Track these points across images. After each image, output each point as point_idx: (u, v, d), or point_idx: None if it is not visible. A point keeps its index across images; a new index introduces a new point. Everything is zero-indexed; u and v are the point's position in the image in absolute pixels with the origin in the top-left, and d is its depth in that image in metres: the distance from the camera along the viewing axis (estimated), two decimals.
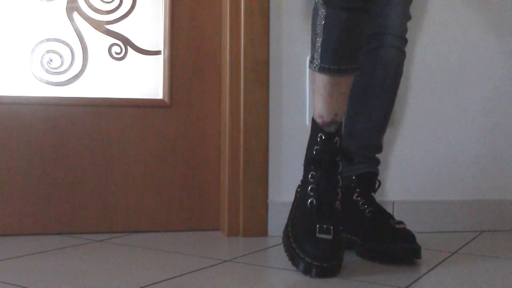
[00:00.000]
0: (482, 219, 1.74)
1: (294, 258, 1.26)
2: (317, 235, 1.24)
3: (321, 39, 1.30)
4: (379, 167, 1.51)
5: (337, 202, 1.31)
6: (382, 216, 1.41)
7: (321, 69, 1.30)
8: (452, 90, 1.75)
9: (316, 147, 1.33)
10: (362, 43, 1.34)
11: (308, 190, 1.31)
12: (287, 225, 1.35)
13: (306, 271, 1.21)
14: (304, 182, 1.34)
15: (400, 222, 1.38)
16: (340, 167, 1.32)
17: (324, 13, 1.29)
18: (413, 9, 1.53)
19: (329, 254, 1.22)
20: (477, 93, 1.77)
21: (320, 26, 1.30)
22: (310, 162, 1.33)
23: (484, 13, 1.76)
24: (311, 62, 1.33)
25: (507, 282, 1.23)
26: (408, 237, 1.33)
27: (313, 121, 1.35)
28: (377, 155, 1.52)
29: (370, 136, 1.49)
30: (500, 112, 1.77)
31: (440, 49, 1.74)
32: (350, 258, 1.37)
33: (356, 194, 1.44)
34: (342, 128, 1.38)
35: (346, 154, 1.36)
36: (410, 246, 1.32)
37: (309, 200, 1.30)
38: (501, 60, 1.77)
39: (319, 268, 1.20)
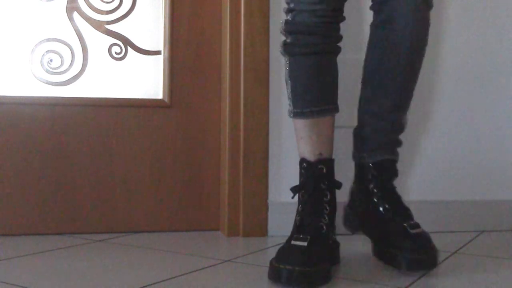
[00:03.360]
0: (482, 219, 1.74)
1: (272, 272, 1.17)
2: (292, 242, 1.20)
3: (289, 86, 1.33)
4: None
5: (321, 224, 1.25)
6: (397, 215, 1.30)
7: (295, 114, 1.33)
8: (445, 90, 1.75)
9: (302, 170, 1.32)
10: (333, 82, 1.35)
11: (296, 210, 1.30)
12: None
13: (275, 277, 1.14)
14: (298, 203, 1.32)
15: (416, 225, 1.28)
16: (328, 196, 1.28)
17: (288, 61, 1.32)
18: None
19: (302, 259, 1.14)
20: (478, 93, 1.77)
21: (286, 74, 1.33)
22: (300, 188, 1.31)
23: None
24: (289, 109, 1.35)
25: (507, 282, 1.23)
26: (419, 245, 1.25)
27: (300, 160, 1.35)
28: (399, 137, 1.38)
29: (388, 115, 1.35)
30: (500, 112, 1.77)
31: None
32: (350, 257, 1.37)
33: (372, 185, 1.34)
34: (332, 162, 1.34)
35: (335, 183, 1.32)
36: (418, 257, 1.24)
37: (294, 220, 1.28)
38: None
39: (289, 272, 1.12)
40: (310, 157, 1.31)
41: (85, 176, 1.65)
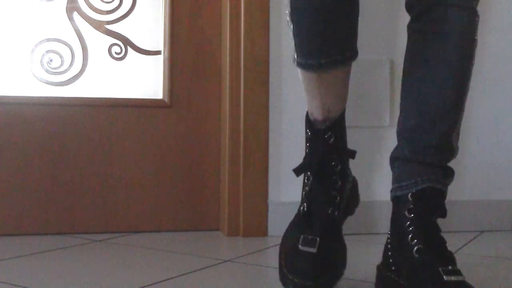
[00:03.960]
0: (482, 219, 1.74)
1: (282, 277, 1.06)
2: (300, 247, 1.04)
3: (292, 29, 1.06)
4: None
5: (331, 209, 1.09)
6: (432, 258, 1.01)
7: (299, 65, 1.08)
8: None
9: (307, 144, 1.12)
10: (350, 21, 1.06)
11: (302, 196, 1.13)
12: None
13: (286, 285, 1.04)
14: (303, 186, 1.15)
15: (455, 272, 0.99)
16: (338, 167, 1.09)
17: None
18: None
19: (310, 270, 1.02)
20: (476, 94, 1.77)
21: (288, 13, 1.06)
22: (304, 168, 1.12)
23: None
24: (293, 56, 1.11)
25: (507, 282, 1.23)
26: None
27: (306, 117, 1.14)
28: (449, 164, 1.11)
29: (426, 134, 1.09)
30: (500, 111, 1.77)
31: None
32: (350, 258, 1.37)
33: (408, 222, 1.05)
34: (342, 123, 1.12)
35: (350, 152, 1.12)
36: None
37: (301, 208, 1.12)
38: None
39: (299, 285, 1.01)
40: (317, 114, 1.09)
41: (85, 176, 1.64)
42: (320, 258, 1.03)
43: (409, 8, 1.12)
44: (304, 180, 1.14)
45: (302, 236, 1.06)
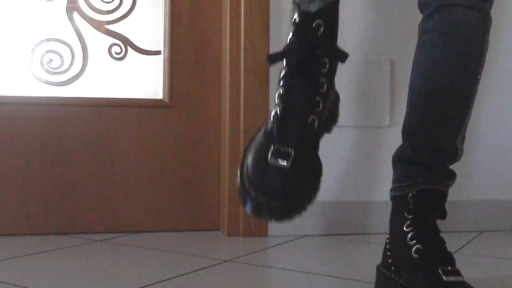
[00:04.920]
0: (482, 219, 1.74)
1: (241, 194, 0.91)
2: (269, 160, 0.89)
3: None
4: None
5: (312, 117, 0.91)
6: (432, 259, 1.00)
7: None
8: None
9: (289, 34, 0.93)
10: None
11: (275, 97, 0.93)
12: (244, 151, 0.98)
13: (254, 211, 0.89)
14: (276, 88, 0.95)
15: (454, 272, 0.98)
16: (325, 67, 0.92)
17: None
18: None
19: (280, 189, 0.87)
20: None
21: None
22: (281, 56, 0.93)
23: None
24: None
25: (507, 282, 1.23)
26: None
27: None
28: (451, 167, 1.09)
29: (431, 136, 1.07)
30: (500, 111, 1.77)
31: None
32: (350, 258, 1.37)
33: (407, 222, 1.04)
34: (336, 12, 0.95)
35: (341, 53, 0.93)
36: None
37: (273, 111, 0.93)
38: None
39: (265, 206, 0.87)
40: None
41: (85, 176, 1.64)
42: (292, 175, 0.88)
43: (421, 8, 1.10)
44: (279, 79, 0.94)
45: (272, 147, 0.90)
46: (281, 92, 0.92)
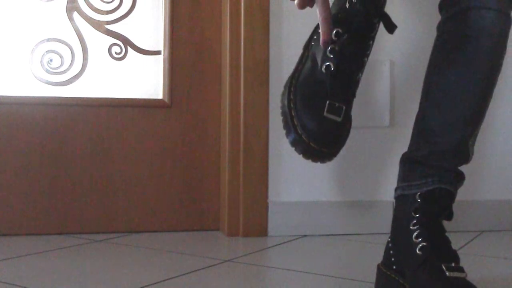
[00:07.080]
0: (482, 219, 1.74)
1: (288, 127, 1.01)
2: (325, 114, 0.99)
3: None
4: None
5: (360, 75, 1.03)
6: (436, 255, 1.00)
7: None
8: None
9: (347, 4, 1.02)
10: None
11: (328, 51, 1.01)
12: (290, 80, 1.06)
13: (297, 148, 1.00)
14: (329, 45, 1.02)
15: (458, 268, 0.99)
16: (375, 31, 1.03)
17: None
18: None
19: (331, 139, 0.99)
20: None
21: None
22: (336, 20, 1.01)
23: None
24: None
25: (507, 282, 1.23)
26: None
27: None
28: (461, 168, 1.10)
29: (446, 137, 1.08)
30: (500, 111, 1.77)
31: None
32: (350, 258, 1.37)
33: (414, 221, 1.04)
34: None
35: (386, 17, 1.03)
36: None
37: (326, 64, 1.01)
38: None
39: (316, 151, 0.98)
40: None
41: (85, 176, 1.65)
42: (342, 127, 1.01)
43: (441, 9, 1.11)
44: (331, 37, 1.01)
45: (328, 102, 1.00)
46: (336, 48, 1.01)
